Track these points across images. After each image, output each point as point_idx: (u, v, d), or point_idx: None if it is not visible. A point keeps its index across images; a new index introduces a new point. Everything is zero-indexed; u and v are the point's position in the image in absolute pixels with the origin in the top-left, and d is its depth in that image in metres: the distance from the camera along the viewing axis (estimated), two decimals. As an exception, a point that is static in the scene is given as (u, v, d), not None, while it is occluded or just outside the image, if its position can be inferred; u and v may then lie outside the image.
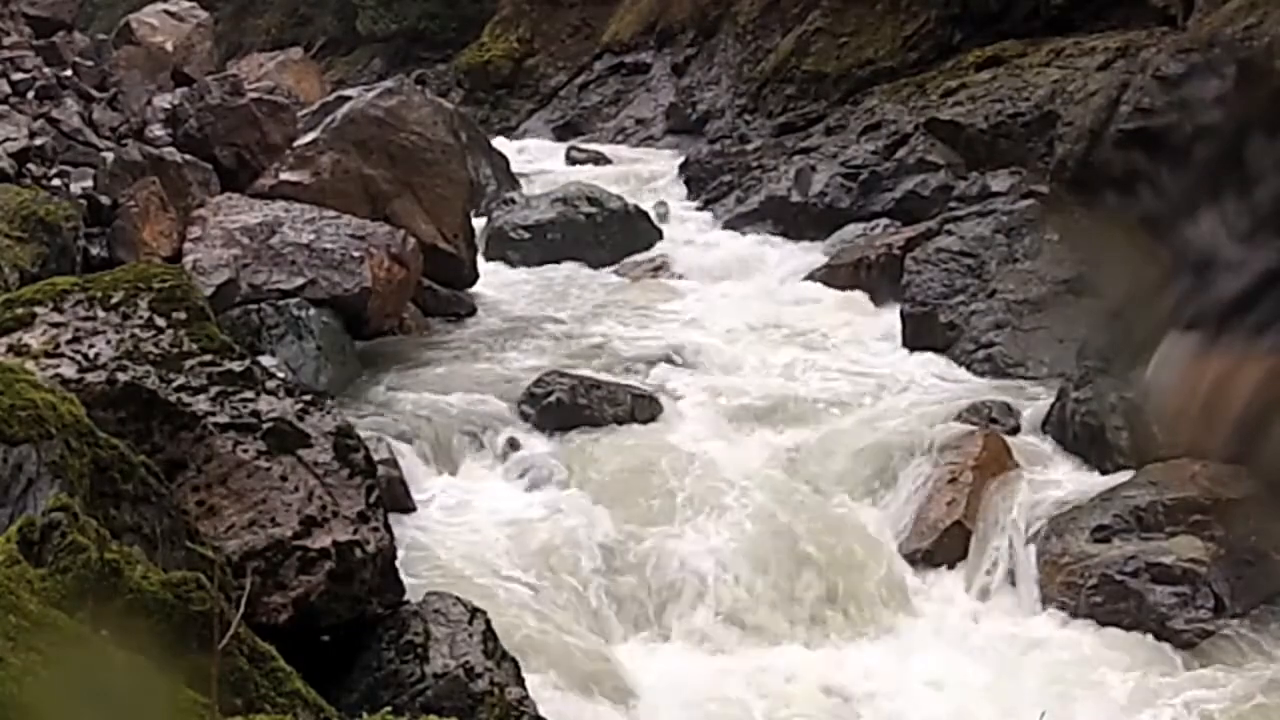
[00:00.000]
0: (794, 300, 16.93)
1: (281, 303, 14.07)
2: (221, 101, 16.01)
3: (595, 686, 9.86)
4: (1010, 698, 9.90)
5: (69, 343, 8.62)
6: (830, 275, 17.28)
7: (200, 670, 4.53)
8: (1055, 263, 15.28)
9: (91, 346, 8.62)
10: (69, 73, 16.81)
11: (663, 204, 20.34)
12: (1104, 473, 12.15)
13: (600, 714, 9.67)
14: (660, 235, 19.45)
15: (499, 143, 23.49)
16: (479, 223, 18.67)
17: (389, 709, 6.81)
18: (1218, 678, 9.95)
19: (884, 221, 18.45)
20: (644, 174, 22.40)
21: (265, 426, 8.74)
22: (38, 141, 14.48)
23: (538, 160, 23.72)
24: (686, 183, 21.50)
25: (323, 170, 15.85)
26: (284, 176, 15.75)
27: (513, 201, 20.13)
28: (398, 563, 9.22)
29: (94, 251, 13.56)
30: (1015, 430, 12.92)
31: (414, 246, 15.42)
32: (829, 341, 15.60)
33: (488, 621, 9.09)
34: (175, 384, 8.63)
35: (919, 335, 15.36)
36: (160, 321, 8.89)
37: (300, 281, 14.37)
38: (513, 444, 12.69)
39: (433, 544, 10.98)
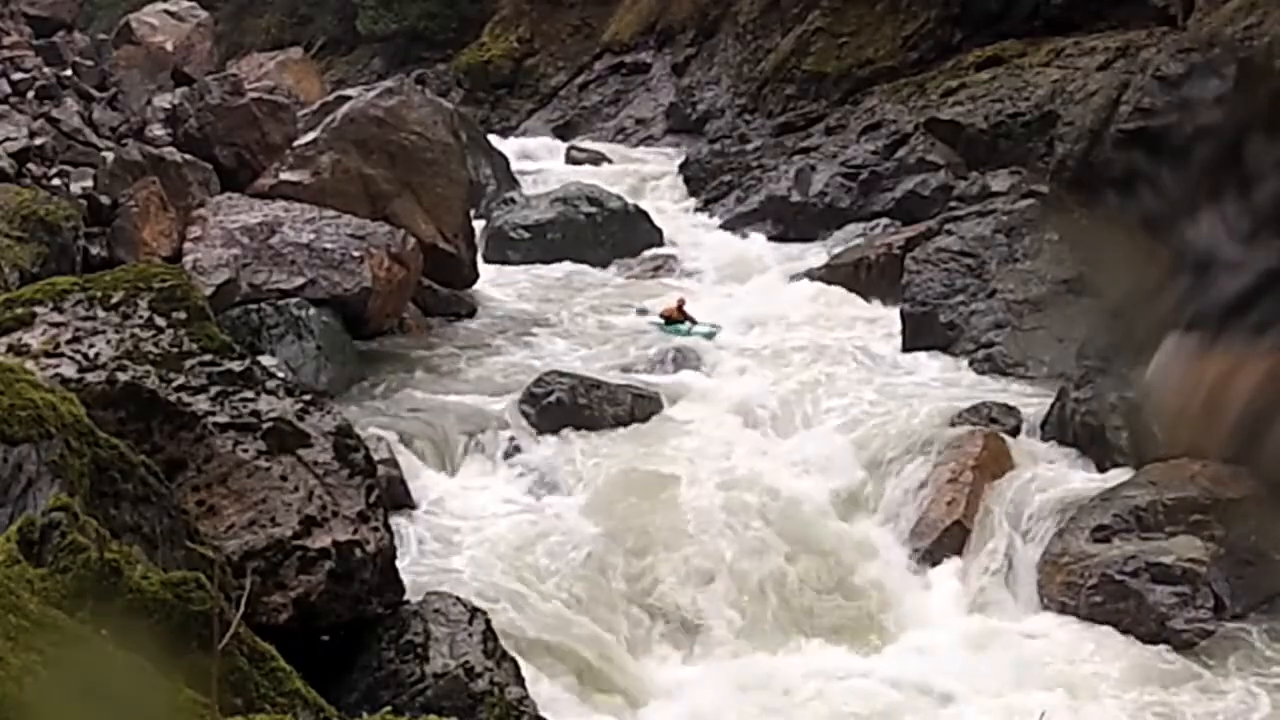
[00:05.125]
0: (794, 300, 16.93)
1: (281, 302, 14.08)
2: (221, 101, 16.02)
3: (596, 686, 9.86)
4: (1010, 697, 9.90)
5: (69, 342, 8.62)
6: (830, 275, 17.29)
7: (200, 670, 4.52)
8: (1055, 263, 15.29)
9: (91, 346, 8.62)
10: (69, 73, 16.82)
11: None
12: (1104, 472, 12.17)
13: (601, 714, 9.67)
14: (660, 235, 19.46)
15: (499, 142, 23.49)
16: (479, 223, 18.67)
17: (389, 709, 6.82)
18: (1218, 678, 9.96)
19: (884, 221, 18.47)
20: (644, 174, 22.40)
21: (265, 426, 8.74)
22: (38, 141, 14.49)
23: (538, 160, 23.71)
24: (686, 182, 21.51)
25: (323, 170, 15.86)
26: (284, 176, 15.76)
27: (513, 201, 20.14)
28: (398, 562, 9.22)
29: (94, 251, 13.57)
30: (1015, 430, 12.93)
31: (414, 246, 15.43)
32: (828, 341, 15.59)
33: (488, 621, 9.10)
34: (175, 384, 8.63)
35: (919, 335, 15.37)
36: (160, 321, 8.89)
37: (300, 281, 14.38)
38: (513, 444, 12.70)
39: (433, 544, 10.99)
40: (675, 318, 15.72)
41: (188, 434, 8.55)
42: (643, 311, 16.29)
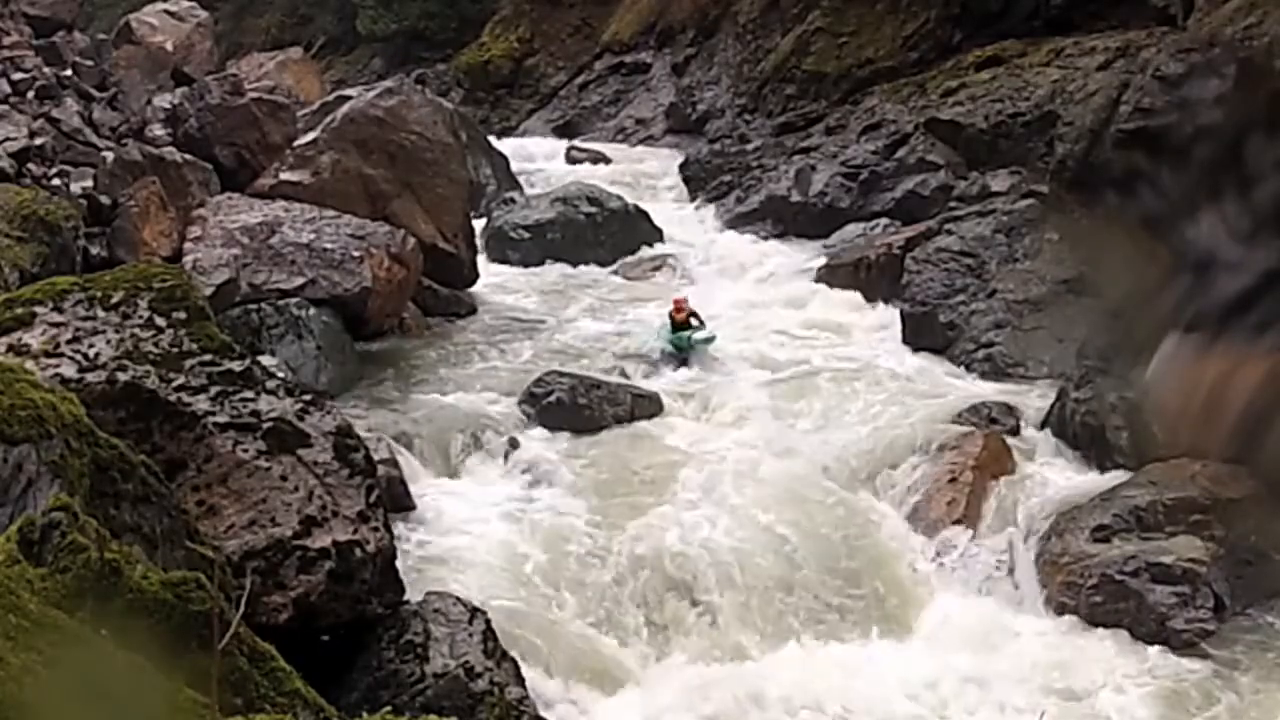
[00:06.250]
0: (794, 300, 16.92)
1: (281, 302, 14.08)
2: (221, 101, 16.02)
3: (597, 685, 9.86)
4: (1010, 696, 9.90)
5: (69, 342, 8.63)
6: (830, 275, 17.28)
7: (200, 670, 4.52)
8: (1055, 263, 15.29)
9: (91, 346, 8.63)
10: (69, 72, 16.82)
11: None
12: (1104, 472, 12.17)
13: (602, 713, 9.67)
14: (660, 235, 19.46)
15: (499, 142, 23.49)
16: (479, 223, 18.67)
17: (389, 709, 6.82)
18: (1218, 677, 9.96)
19: (884, 221, 18.45)
20: (644, 174, 22.40)
21: (265, 426, 8.75)
22: (38, 141, 14.49)
23: (538, 160, 23.72)
24: (686, 182, 21.51)
25: (323, 170, 15.86)
26: (284, 176, 15.76)
27: (513, 201, 20.14)
28: (398, 562, 9.23)
29: (94, 251, 13.57)
30: (1015, 430, 12.94)
31: (414, 246, 15.43)
32: (828, 341, 15.60)
33: (488, 621, 9.10)
34: (175, 384, 8.63)
35: (919, 335, 15.37)
36: (160, 321, 8.89)
37: (300, 281, 14.37)
38: (513, 444, 12.70)
39: (433, 544, 10.99)
40: (681, 320, 15.22)
41: (188, 434, 8.56)
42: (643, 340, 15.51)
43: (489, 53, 28.97)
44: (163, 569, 5.89)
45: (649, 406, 13.51)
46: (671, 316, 15.35)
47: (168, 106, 16.20)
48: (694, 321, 15.28)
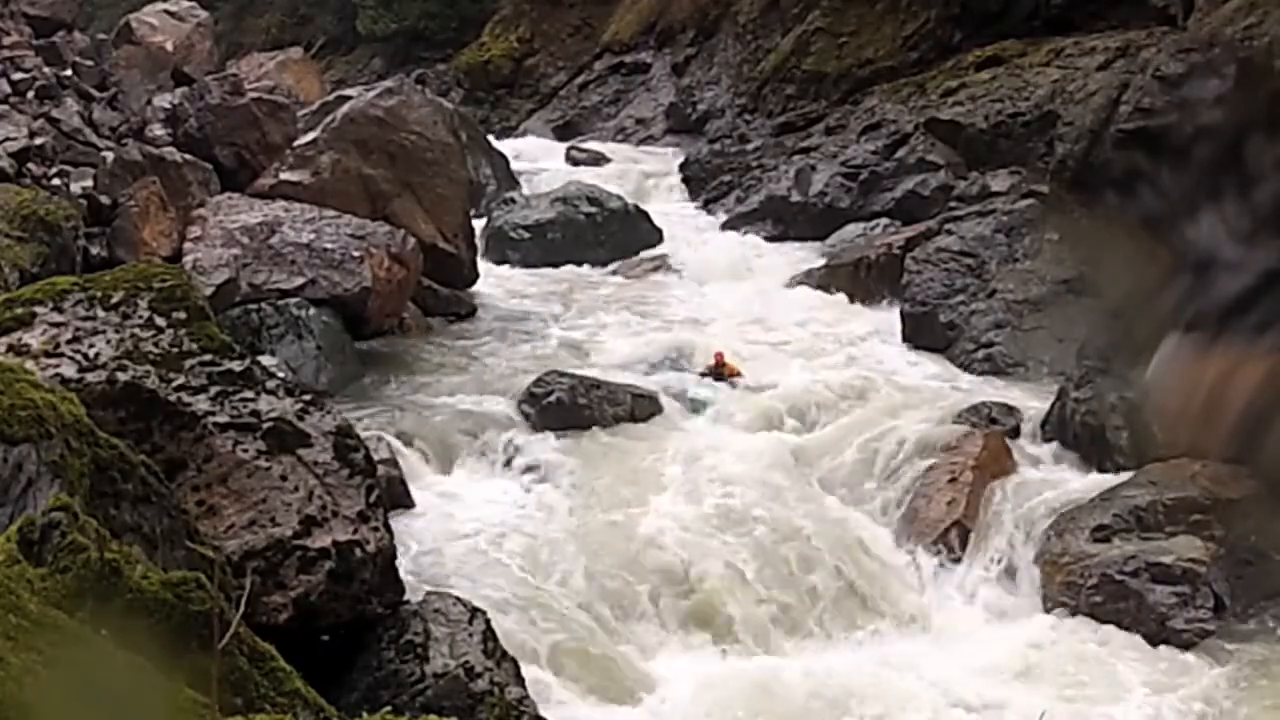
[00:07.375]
0: (794, 300, 16.93)
1: (281, 302, 14.07)
2: (221, 101, 16.02)
3: (597, 685, 9.86)
4: (1010, 697, 9.90)
5: (69, 342, 8.63)
6: (830, 275, 17.28)
7: (200, 670, 4.52)
8: (1055, 263, 15.29)
9: (91, 346, 8.63)
10: (69, 72, 16.83)
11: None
12: (1104, 473, 12.17)
13: (602, 713, 9.67)
14: (660, 235, 19.46)
15: (499, 142, 23.49)
16: (479, 223, 18.67)
17: (389, 709, 6.81)
18: (1217, 677, 9.96)
19: (884, 221, 18.45)
20: (644, 174, 22.40)
21: (265, 426, 8.75)
22: (38, 141, 14.49)
23: (538, 160, 23.71)
24: (686, 182, 21.50)
25: (323, 170, 15.86)
26: (284, 176, 15.75)
27: (513, 201, 20.13)
28: (398, 562, 9.23)
29: (94, 251, 13.57)
30: (1015, 430, 12.94)
31: (414, 246, 15.42)
32: (828, 341, 15.59)
33: (488, 621, 9.10)
34: (175, 384, 8.63)
35: (919, 335, 15.37)
36: (160, 321, 8.89)
37: (300, 281, 14.37)
38: (513, 444, 12.70)
39: (433, 543, 10.99)
40: (729, 374, 14.38)
41: (188, 434, 8.56)
42: (682, 366, 14.64)
43: (489, 53, 28.96)
44: (163, 569, 5.89)
45: (649, 406, 13.51)
46: (714, 369, 14.48)
47: (168, 106, 16.20)
48: (740, 373, 14.44)
